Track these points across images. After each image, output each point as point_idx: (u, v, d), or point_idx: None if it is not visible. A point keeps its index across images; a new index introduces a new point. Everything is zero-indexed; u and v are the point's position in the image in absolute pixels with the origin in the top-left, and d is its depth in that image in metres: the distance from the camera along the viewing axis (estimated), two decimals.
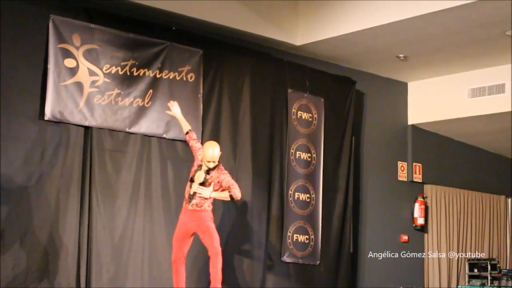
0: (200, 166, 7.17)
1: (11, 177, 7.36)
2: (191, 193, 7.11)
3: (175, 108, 7.54)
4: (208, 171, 7.10)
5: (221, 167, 7.18)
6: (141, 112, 8.21)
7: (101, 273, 7.73)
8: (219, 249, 7.00)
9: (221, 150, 7.24)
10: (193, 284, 8.05)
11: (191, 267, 8.00)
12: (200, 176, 7.12)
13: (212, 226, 7.13)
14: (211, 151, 7.05)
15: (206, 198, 7.08)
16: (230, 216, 8.76)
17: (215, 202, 7.36)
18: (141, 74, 8.21)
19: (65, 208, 7.63)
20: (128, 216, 8.04)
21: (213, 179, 7.10)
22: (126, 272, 7.94)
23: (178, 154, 8.43)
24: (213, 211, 7.29)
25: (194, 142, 7.41)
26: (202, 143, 7.66)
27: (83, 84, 7.81)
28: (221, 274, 6.99)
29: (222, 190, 7.10)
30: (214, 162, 7.07)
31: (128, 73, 8.11)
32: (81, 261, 7.65)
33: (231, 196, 7.05)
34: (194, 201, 7.10)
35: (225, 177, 7.10)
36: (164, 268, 7.91)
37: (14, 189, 7.36)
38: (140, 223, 8.11)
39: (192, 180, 7.17)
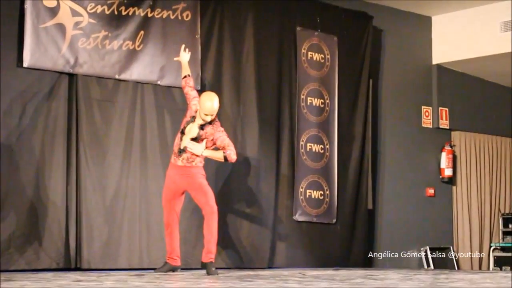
0: (193, 118, 7.00)
1: None
2: (182, 147, 6.94)
3: (186, 56, 7.47)
4: (202, 126, 6.92)
5: (217, 122, 7.04)
6: (131, 56, 8.02)
7: (93, 238, 7.61)
8: (215, 208, 6.88)
9: (220, 101, 7.10)
10: (188, 246, 7.90)
11: (185, 228, 7.92)
12: (192, 130, 6.93)
13: (205, 183, 7.00)
14: (209, 104, 6.83)
15: (197, 156, 6.93)
16: (235, 169, 8.56)
17: None
18: (130, 13, 8.01)
19: (50, 166, 7.50)
20: (121, 173, 7.90)
21: (207, 135, 6.95)
22: (120, 235, 7.81)
23: (176, 102, 8.24)
24: (213, 164, 7.25)
25: (190, 89, 7.24)
26: (201, 91, 7.50)
27: (65, 26, 7.63)
28: (217, 235, 6.90)
29: (215, 149, 6.99)
30: (211, 115, 6.90)
31: (116, 13, 7.92)
32: (70, 225, 7.52)
33: (225, 158, 6.92)
34: (184, 155, 6.94)
35: (221, 136, 6.97)
36: (163, 230, 7.62)
37: None
38: (134, 181, 7.96)
39: (183, 132, 6.99)
